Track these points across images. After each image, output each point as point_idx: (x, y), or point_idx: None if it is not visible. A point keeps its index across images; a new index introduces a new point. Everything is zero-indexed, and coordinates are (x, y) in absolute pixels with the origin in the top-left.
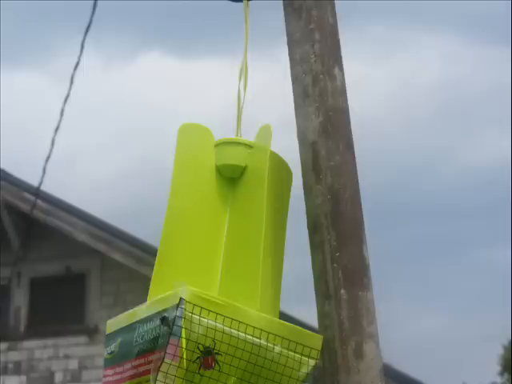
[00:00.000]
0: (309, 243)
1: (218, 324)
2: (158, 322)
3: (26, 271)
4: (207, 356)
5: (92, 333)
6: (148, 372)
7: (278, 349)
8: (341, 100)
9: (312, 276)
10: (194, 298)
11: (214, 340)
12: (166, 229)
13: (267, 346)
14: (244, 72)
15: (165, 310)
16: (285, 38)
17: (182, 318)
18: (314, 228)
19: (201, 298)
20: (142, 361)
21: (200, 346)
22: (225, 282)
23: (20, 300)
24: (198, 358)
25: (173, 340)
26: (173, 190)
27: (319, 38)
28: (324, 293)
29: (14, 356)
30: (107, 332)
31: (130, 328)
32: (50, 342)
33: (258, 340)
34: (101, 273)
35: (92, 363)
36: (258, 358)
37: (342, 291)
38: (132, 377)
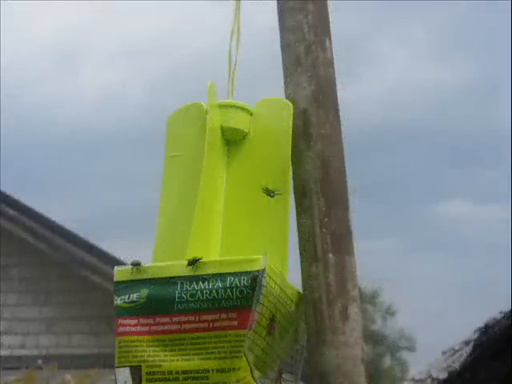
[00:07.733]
0: (295, 206)
1: (279, 294)
2: (220, 284)
3: None
4: (272, 323)
5: None
6: (199, 330)
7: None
8: (331, 71)
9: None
10: (268, 269)
11: (276, 309)
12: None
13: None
14: (236, 31)
15: (234, 274)
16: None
17: (263, 286)
18: (302, 192)
19: (271, 269)
20: (190, 318)
21: (270, 314)
22: (226, 243)
23: None
24: (268, 324)
25: (254, 306)
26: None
27: (312, 10)
28: (312, 255)
29: None
30: (117, 279)
31: (164, 282)
32: None
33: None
34: None
35: None
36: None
37: (330, 255)
38: (172, 332)
